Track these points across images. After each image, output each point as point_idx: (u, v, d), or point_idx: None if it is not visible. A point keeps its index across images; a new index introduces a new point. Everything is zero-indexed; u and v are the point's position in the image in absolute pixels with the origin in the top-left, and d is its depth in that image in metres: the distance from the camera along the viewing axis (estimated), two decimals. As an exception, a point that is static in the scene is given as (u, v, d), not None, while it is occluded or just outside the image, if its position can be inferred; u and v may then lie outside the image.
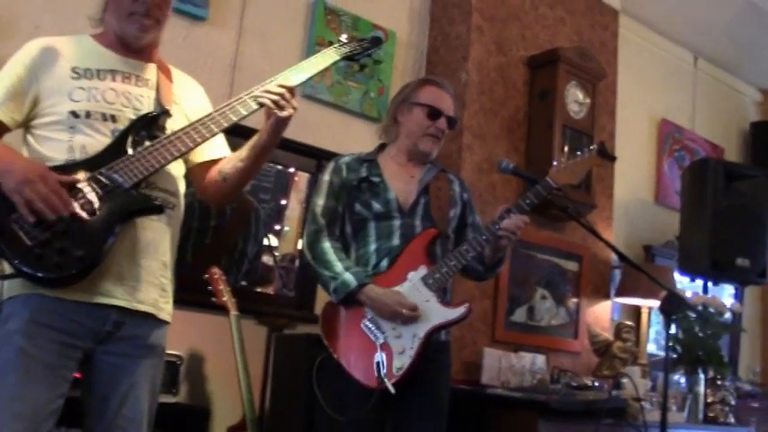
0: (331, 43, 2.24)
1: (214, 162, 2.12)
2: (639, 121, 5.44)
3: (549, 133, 4.20)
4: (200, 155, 2.10)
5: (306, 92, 3.70)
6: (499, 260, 2.69)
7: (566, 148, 4.23)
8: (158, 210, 1.92)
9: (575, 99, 4.35)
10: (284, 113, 1.95)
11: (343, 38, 2.24)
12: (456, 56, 4.17)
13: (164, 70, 2.09)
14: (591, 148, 2.66)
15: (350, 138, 3.93)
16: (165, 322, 2.03)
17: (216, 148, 2.12)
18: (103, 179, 1.83)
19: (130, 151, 1.87)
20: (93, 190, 1.81)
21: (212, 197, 2.17)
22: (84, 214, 1.78)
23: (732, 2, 5.21)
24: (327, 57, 2.16)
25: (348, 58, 2.22)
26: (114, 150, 1.88)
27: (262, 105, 1.98)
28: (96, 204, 1.80)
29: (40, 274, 1.74)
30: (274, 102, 1.95)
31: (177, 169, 2.05)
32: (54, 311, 1.81)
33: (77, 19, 2.09)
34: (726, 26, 5.49)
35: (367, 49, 2.27)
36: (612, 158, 2.67)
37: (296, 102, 1.99)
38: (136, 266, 1.91)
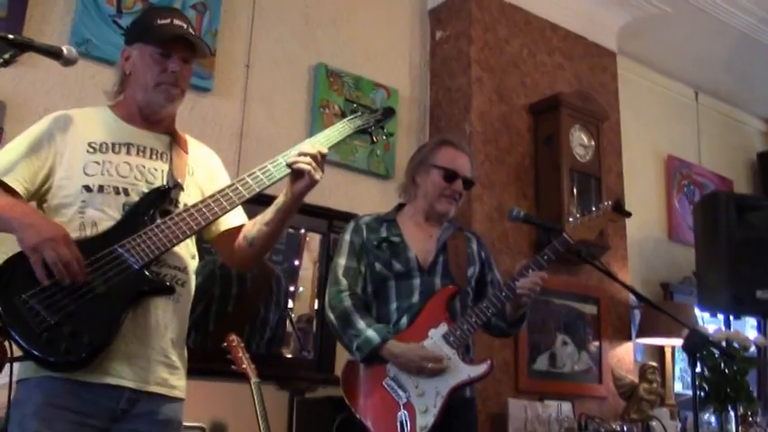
0: (343, 115, 2.24)
1: (234, 230, 2.13)
2: (646, 158, 5.46)
3: (556, 178, 4.22)
4: (221, 224, 2.10)
5: (313, 154, 3.74)
6: (521, 317, 2.69)
7: (575, 192, 4.26)
8: (169, 291, 1.92)
9: (579, 142, 4.37)
10: (316, 176, 1.98)
11: (354, 108, 2.25)
12: (459, 108, 4.22)
13: (179, 141, 2.11)
14: (606, 203, 2.69)
15: (359, 196, 3.95)
16: (179, 399, 2.01)
17: (234, 216, 2.12)
18: (114, 258, 1.82)
19: (142, 228, 1.87)
20: (104, 269, 1.81)
21: (239, 263, 2.17)
22: (94, 294, 1.77)
23: (728, 35, 5.27)
24: (340, 131, 2.15)
25: (361, 131, 2.21)
26: (125, 227, 1.88)
27: (292, 170, 1.98)
28: (107, 284, 1.79)
29: (50, 359, 1.73)
30: (308, 163, 1.97)
31: (188, 245, 2.04)
32: (68, 392, 1.80)
33: (86, 100, 2.13)
34: (724, 59, 5.55)
35: (379, 121, 2.26)
36: (627, 214, 2.73)
37: (323, 167, 2.02)
38: (144, 346, 1.90)
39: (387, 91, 4.20)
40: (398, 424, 2.40)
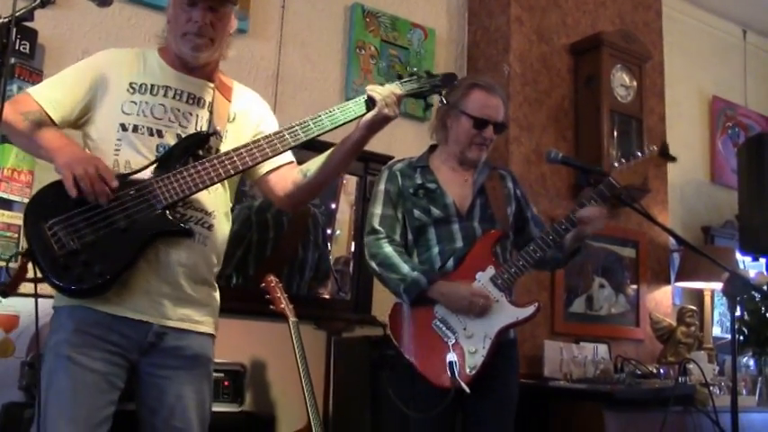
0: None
1: (279, 168, 2.14)
2: (689, 100, 5.32)
3: (596, 120, 4.14)
4: (266, 165, 2.11)
5: (349, 96, 3.72)
6: (578, 248, 2.68)
7: (615, 133, 4.19)
8: (187, 233, 1.94)
9: (621, 83, 4.28)
10: (388, 111, 1.97)
11: (413, 72, 2.12)
12: (497, 48, 4.14)
13: (223, 89, 2.13)
14: (652, 148, 2.66)
15: (396, 138, 3.92)
16: (207, 334, 2.05)
17: (282, 156, 2.10)
18: (139, 195, 1.87)
19: (173, 169, 1.91)
20: (127, 205, 1.85)
21: (291, 199, 2.15)
22: (114, 227, 1.82)
23: (779, -29, 5.07)
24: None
25: (413, 95, 2.10)
26: (157, 167, 1.92)
27: (369, 102, 1.99)
28: (127, 220, 1.84)
29: (63, 284, 1.80)
30: (384, 97, 1.97)
31: (220, 189, 2.06)
32: (98, 323, 1.88)
33: (123, 43, 2.15)
34: (774, -4, 5.34)
35: (437, 87, 2.13)
36: (673, 159, 2.68)
37: (399, 109, 2.00)
38: (164, 283, 1.93)
39: (424, 31, 4.13)
40: (448, 365, 2.42)
